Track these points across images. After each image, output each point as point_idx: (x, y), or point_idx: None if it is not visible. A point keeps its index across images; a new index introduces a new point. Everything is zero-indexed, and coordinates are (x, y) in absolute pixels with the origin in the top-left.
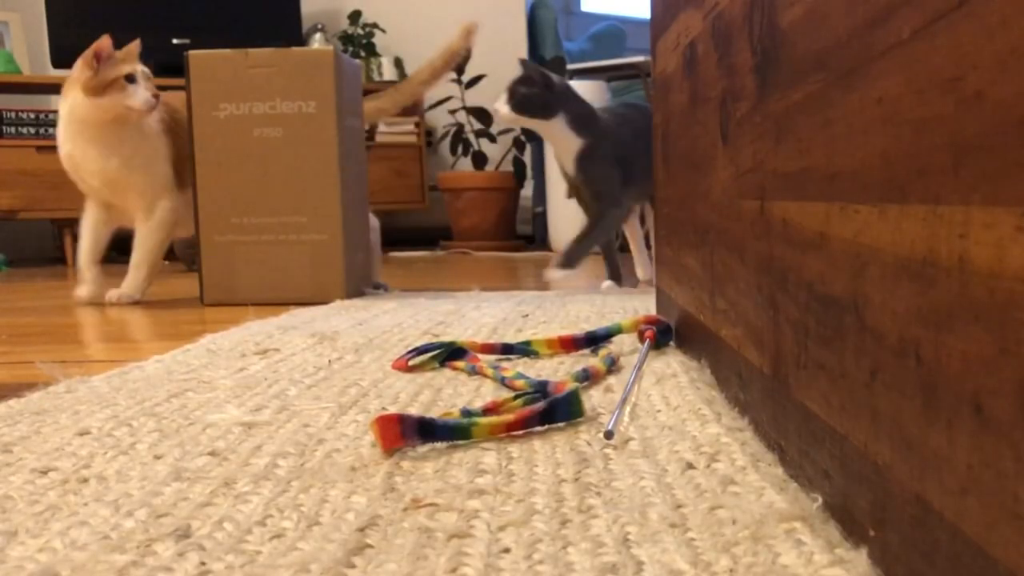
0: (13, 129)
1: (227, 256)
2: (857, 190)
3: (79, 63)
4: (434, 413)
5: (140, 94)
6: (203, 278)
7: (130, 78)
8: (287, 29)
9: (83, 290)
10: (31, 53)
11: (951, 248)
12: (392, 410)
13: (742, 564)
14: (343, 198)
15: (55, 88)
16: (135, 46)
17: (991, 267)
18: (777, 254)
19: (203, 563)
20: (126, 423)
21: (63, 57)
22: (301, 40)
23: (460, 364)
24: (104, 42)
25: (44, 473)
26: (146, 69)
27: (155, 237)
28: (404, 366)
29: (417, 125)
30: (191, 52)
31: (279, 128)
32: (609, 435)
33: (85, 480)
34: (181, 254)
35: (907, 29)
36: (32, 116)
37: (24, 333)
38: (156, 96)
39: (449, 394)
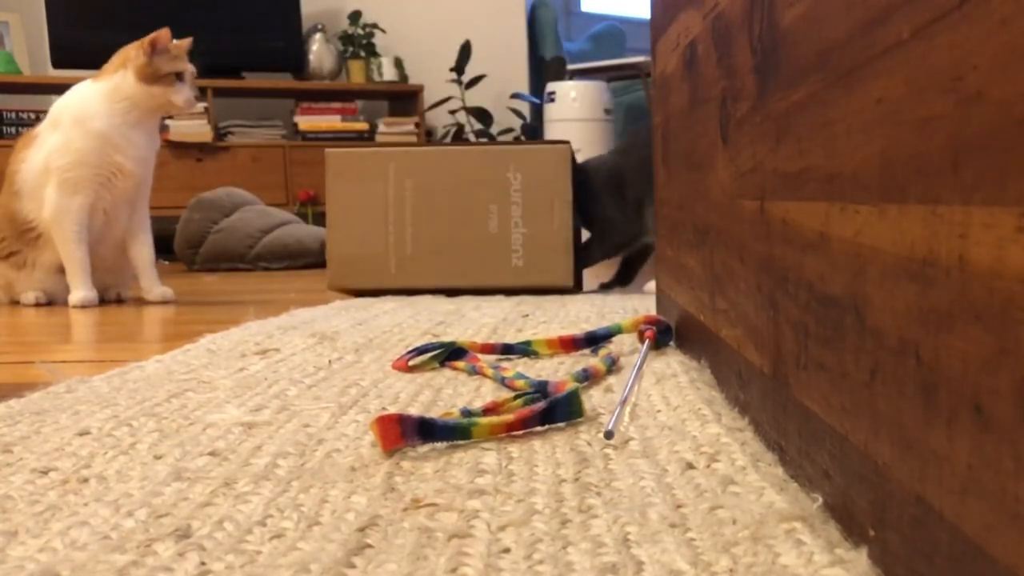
0: (13, 129)
1: None
2: (857, 190)
3: (135, 47)
4: (434, 413)
5: (185, 92)
6: None
7: (180, 76)
8: (287, 29)
9: (86, 296)
10: (31, 53)
11: (951, 248)
12: (392, 410)
13: (742, 564)
14: None
15: (55, 88)
16: (186, 43)
17: (991, 267)
18: (777, 254)
19: (203, 563)
20: (126, 423)
21: (63, 57)
22: (301, 40)
23: (460, 364)
24: (164, 34)
25: (44, 473)
26: (193, 70)
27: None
28: (404, 366)
29: (417, 125)
30: None
31: None
32: (609, 435)
33: (85, 480)
34: (182, 254)
35: (907, 29)
36: (32, 116)
37: (24, 333)
38: (197, 98)
39: (449, 394)
